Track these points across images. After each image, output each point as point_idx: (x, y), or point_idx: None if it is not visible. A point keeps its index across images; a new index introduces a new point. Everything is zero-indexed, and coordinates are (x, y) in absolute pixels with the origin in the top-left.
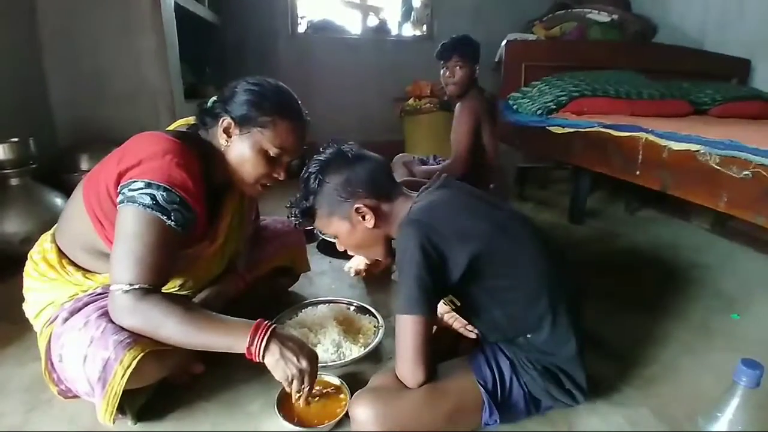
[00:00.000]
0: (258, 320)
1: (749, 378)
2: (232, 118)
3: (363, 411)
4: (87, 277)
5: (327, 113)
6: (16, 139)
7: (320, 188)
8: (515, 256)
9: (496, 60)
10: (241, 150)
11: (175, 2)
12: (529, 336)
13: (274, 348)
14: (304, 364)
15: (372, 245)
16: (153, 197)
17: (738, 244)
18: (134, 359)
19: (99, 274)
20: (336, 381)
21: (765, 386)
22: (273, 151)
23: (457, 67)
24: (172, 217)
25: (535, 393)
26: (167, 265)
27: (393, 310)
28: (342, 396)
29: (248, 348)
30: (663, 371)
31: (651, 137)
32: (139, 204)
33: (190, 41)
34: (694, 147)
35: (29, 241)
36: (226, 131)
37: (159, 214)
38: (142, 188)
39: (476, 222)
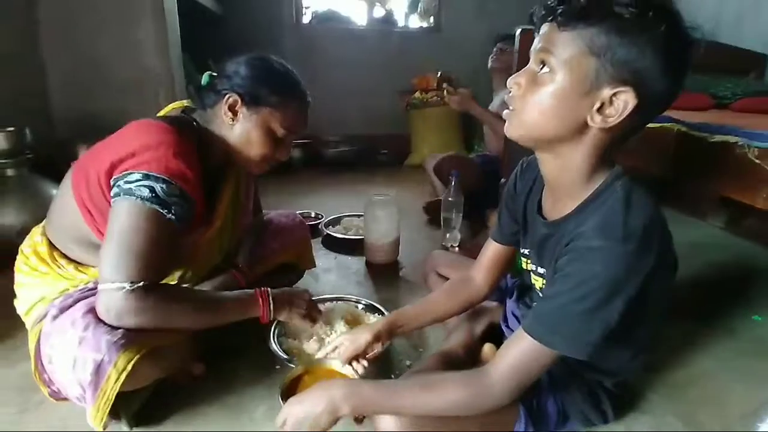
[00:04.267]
0: (254, 290)
1: None
2: (239, 94)
3: (389, 420)
4: (80, 270)
5: (332, 106)
6: (11, 129)
7: (639, 23)
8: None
9: None
10: (247, 129)
11: None
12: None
13: (280, 305)
14: (303, 301)
15: (547, 123)
16: (152, 189)
17: (753, 243)
18: (129, 362)
19: (91, 267)
20: (347, 371)
21: None
22: (280, 132)
23: None
24: (173, 211)
25: (568, 410)
26: (166, 260)
27: None
28: None
29: (261, 315)
30: (688, 377)
31: (683, 128)
32: (138, 197)
33: (193, 31)
34: (732, 138)
35: (26, 234)
36: (232, 109)
37: (159, 208)
38: (139, 180)
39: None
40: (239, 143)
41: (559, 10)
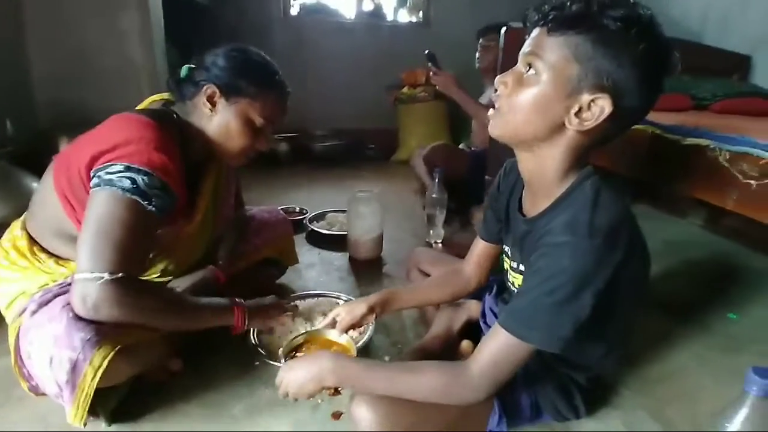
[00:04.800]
0: (231, 301)
1: (760, 387)
2: (217, 86)
3: (365, 411)
4: (60, 264)
5: (319, 100)
6: None
7: (619, 35)
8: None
9: None
10: (227, 120)
11: None
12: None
13: (254, 318)
14: (277, 312)
15: (527, 122)
16: (133, 181)
17: (732, 242)
18: (104, 359)
19: (72, 261)
20: (343, 340)
21: None
22: (259, 122)
23: None
24: (153, 202)
25: (540, 404)
26: (145, 252)
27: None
28: (349, 355)
29: (235, 327)
30: (661, 372)
31: (657, 131)
32: (118, 187)
33: (178, 22)
34: (704, 142)
35: (6, 228)
36: (210, 100)
37: (139, 199)
38: (121, 171)
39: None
40: (218, 134)
41: (551, 16)
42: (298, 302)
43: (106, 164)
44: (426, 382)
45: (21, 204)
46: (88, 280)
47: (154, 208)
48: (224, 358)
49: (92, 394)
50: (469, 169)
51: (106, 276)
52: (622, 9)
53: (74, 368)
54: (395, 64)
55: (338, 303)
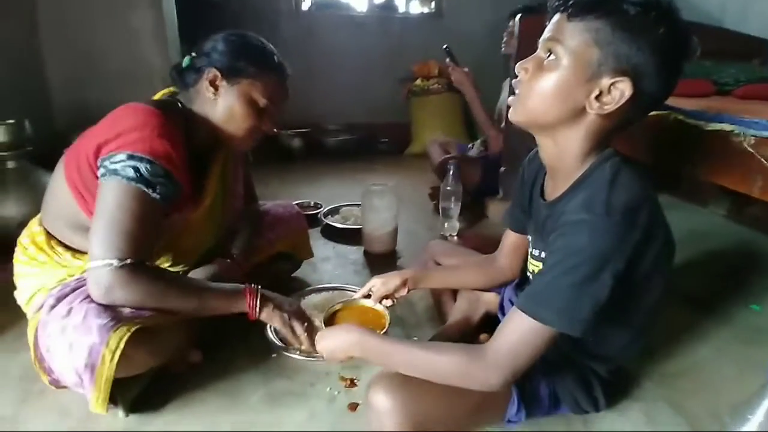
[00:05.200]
0: (245, 286)
1: None
2: (218, 69)
3: (383, 398)
4: (76, 257)
5: (332, 94)
6: (11, 121)
7: (640, 17)
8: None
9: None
10: (230, 102)
11: None
12: (591, 339)
13: (267, 303)
14: (293, 306)
15: (547, 107)
16: (137, 169)
17: (755, 231)
18: (120, 340)
19: (87, 253)
20: (379, 307)
21: None
22: (262, 102)
23: None
24: (157, 190)
25: (559, 395)
26: (152, 238)
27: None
28: (383, 322)
29: (248, 307)
30: (683, 364)
31: (680, 116)
32: (123, 177)
33: (191, 19)
34: (728, 127)
35: (26, 225)
36: (213, 83)
37: (143, 187)
38: (124, 160)
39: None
40: (223, 118)
41: (572, 2)
42: (313, 295)
43: (110, 153)
44: (445, 361)
45: (39, 202)
46: (100, 267)
47: (158, 196)
48: (242, 350)
49: (112, 377)
50: (482, 177)
51: (115, 262)
52: None
53: (91, 352)
54: (407, 57)
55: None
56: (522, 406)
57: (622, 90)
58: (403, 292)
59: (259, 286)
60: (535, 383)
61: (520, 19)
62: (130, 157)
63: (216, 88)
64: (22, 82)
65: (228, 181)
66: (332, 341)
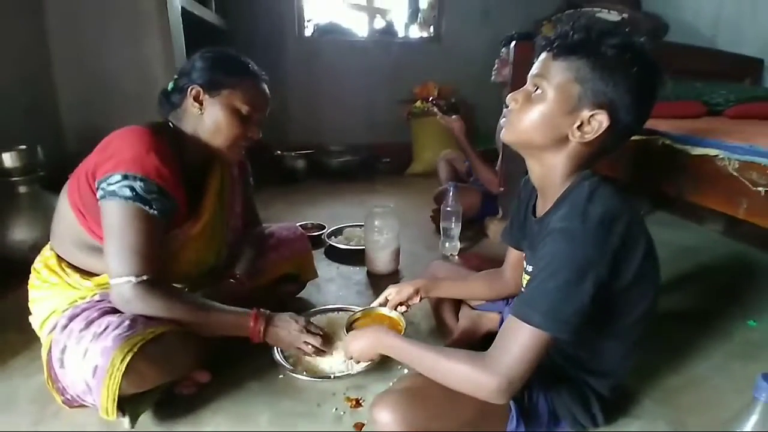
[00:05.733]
0: (253, 310)
1: None
2: (200, 85)
3: (386, 413)
4: (84, 278)
5: (335, 115)
6: (23, 147)
7: (617, 59)
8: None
9: None
10: (215, 114)
11: (181, 7)
12: (586, 355)
13: (271, 329)
14: (298, 325)
15: (534, 133)
16: (132, 188)
17: (752, 248)
18: (135, 345)
19: (95, 275)
20: (393, 315)
21: None
22: (245, 110)
23: None
24: (154, 206)
25: (558, 411)
26: (160, 251)
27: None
28: (399, 327)
29: (251, 332)
30: (682, 381)
31: (667, 141)
32: (121, 197)
33: (198, 46)
34: (713, 152)
35: (37, 249)
36: (197, 99)
37: (141, 204)
38: (119, 181)
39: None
40: (211, 131)
41: (556, 43)
42: (318, 316)
43: (106, 175)
44: (451, 367)
45: (50, 226)
46: (121, 284)
47: (156, 212)
48: (249, 370)
49: (120, 379)
50: (482, 207)
51: (134, 279)
52: (617, 37)
53: (102, 353)
54: (408, 79)
55: None
56: (521, 421)
57: (600, 121)
58: (416, 300)
59: (267, 311)
60: (533, 399)
61: (515, 44)
62: (125, 177)
63: (201, 103)
64: (34, 108)
65: (225, 197)
66: (361, 342)
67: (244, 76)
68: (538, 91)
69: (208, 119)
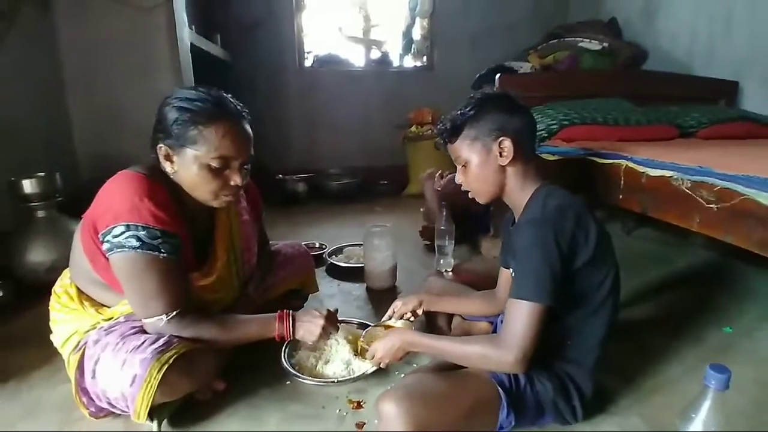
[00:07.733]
0: (279, 311)
1: (718, 381)
2: (166, 144)
3: (391, 406)
4: (99, 312)
5: (333, 140)
6: (42, 174)
7: (478, 113)
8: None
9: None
10: (187, 172)
11: (190, 43)
12: (569, 342)
13: (299, 324)
14: (321, 321)
15: (488, 184)
16: (138, 238)
17: (729, 259)
18: (171, 357)
19: (107, 308)
20: (399, 324)
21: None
22: (214, 163)
23: None
24: (162, 250)
25: (543, 402)
26: (182, 286)
27: None
28: None
29: (278, 332)
30: (656, 383)
31: (630, 164)
32: (129, 248)
33: (204, 77)
34: (668, 173)
35: (54, 270)
36: (167, 158)
37: (150, 252)
38: (124, 232)
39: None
40: (189, 187)
41: (444, 137)
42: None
43: (109, 228)
44: (473, 349)
45: (66, 249)
46: (153, 322)
47: (166, 254)
48: (259, 377)
49: (156, 385)
50: (473, 221)
51: (164, 317)
52: (469, 105)
53: (142, 363)
54: (403, 105)
55: (357, 328)
56: (511, 410)
57: (504, 142)
58: (419, 311)
59: (291, 311)
60: (521, 388)
61: (498, 77)
62: (128, 227)
63: (172, 161)
64: (52, 138)
65: (237, 242)
66: (388, 343)
67: (203, 125)
68: (465, 165)
69: (183, 175)
